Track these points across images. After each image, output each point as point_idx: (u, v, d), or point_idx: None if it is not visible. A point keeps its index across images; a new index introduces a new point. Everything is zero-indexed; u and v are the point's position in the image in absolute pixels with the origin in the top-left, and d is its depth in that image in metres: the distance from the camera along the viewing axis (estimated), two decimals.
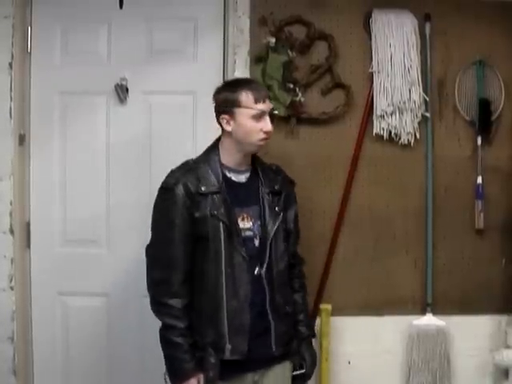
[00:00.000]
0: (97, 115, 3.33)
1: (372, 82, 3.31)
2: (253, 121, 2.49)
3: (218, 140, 2.61)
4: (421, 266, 3.38)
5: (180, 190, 2.47)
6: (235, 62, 3.29)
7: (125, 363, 3.34)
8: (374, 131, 3.32)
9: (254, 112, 2.48)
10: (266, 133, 2.51)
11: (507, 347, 3.36)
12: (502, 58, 3.40)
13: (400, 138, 3.32)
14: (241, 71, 3.28)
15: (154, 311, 2.51)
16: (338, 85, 3.31)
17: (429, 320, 3.36)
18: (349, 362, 3.37)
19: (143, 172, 3.31)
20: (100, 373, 3.36)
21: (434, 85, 3.37)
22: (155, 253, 2.53)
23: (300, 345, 2.70)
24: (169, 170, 2.57)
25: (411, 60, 3.29)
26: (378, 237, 3.38)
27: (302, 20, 3.30)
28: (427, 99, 3.32)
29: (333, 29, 3.31)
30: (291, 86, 3.26)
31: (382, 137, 3.31)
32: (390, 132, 3.31)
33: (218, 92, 2.57)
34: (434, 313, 3.36)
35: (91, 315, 3.34)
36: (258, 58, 3.27)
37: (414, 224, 3.38)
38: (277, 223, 2.58)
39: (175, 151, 3.20)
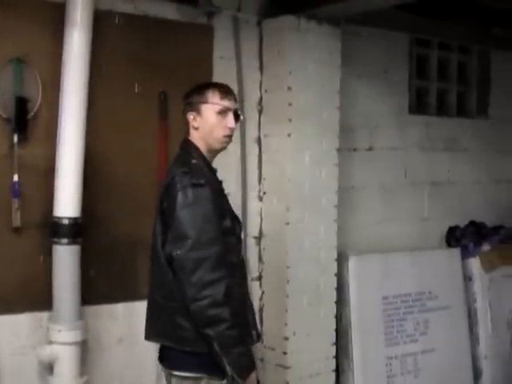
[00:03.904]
0: None
1: None
2: (218, 116, 2.70)
3: (187, 143, 2.77)
4: None
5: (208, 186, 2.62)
6: None
7: None
8: None
9: (218, 107, 2.70)
10: (229, 129, 2.71)
11: (50, 343, 3.41)
12: (41, 56, 3.43)
13: None
14: None
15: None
16: None
17: None
18: None
19: None
20: None
21: None
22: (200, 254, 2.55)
23: None
24: None
25: None
26: None
27: None
28: None
29: None
30: None
31: None
32: None
33: (188, 94, 2.79)
34: None
35: None
36: None
37: None
38: None
39: None
